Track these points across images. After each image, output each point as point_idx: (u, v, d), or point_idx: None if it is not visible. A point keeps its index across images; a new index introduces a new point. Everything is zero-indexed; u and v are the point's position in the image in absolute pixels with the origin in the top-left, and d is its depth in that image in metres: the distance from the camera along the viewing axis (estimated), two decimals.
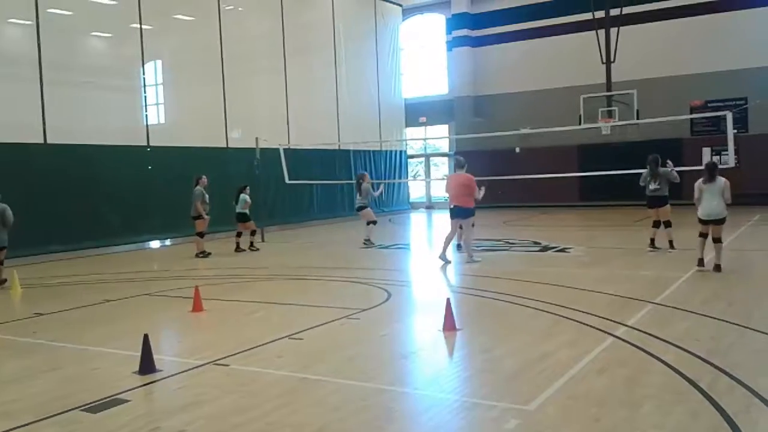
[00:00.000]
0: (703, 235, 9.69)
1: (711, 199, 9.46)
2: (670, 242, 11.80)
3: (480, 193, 11.57)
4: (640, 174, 12.16)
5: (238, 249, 14.52)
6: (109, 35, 17.25)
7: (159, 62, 18.43)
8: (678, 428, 4.02)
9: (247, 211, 14.51)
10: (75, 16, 16.06)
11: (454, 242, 12.33)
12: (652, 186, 11.82)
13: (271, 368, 5.57)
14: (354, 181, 16.53)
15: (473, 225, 13.46)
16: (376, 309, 7.99)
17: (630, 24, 23.32)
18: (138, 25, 17.00)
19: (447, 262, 11.41)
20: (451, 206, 11.64)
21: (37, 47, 14.84)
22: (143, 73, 17.51)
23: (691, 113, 22.21)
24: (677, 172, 11.98)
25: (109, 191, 15.58)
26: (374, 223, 15.02)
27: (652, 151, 12.72)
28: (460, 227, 11.88)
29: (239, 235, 14.59)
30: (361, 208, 15.12)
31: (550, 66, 25.80)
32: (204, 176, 13.91)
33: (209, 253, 13.90)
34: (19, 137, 14.36)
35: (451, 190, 11.60)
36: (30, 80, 14.69)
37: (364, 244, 14.50)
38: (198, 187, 13.73)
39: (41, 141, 14.87)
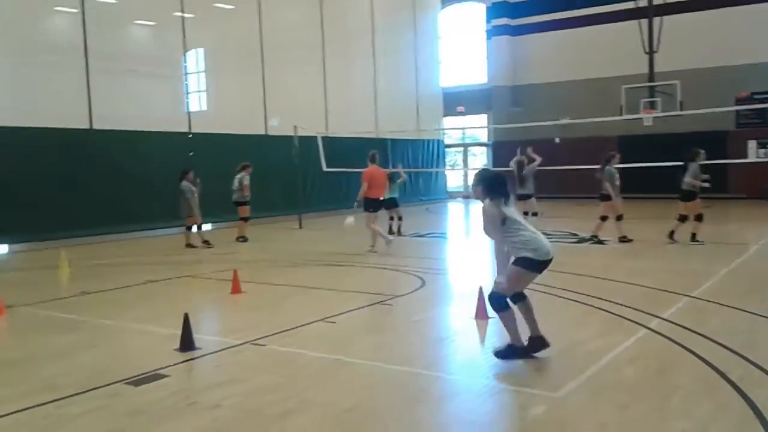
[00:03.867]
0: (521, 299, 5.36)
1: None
2: (693, 235, 11.73)
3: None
4: (682, 166, 11.99)
5: (391, 232, 15.03)
6: (153, 24, 17.61)
7: (201, 50, 18.74)
8: (706, 419, 4.04)
9: (396, 195, 14.98)
10: (119, 4, 16.45)
11: None
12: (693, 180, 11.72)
13: (305, 349, 5.72)
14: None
15: (536, 214, 13.59)
16: (410, 296, 8.09)
17: (674, 13, 22.82)
18: (180, 14, 17.32)
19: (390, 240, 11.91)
20: (382, 198, 12.02)
21: (83, 36, 15.25)
22: (185, 61, 17.83)
23: (737, 105, 21.69)
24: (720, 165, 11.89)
25: (153, 176, 15.96)
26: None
27: (695, 143, 12.60)
28: None
29: (391, 218, 15.24)
30: (527, 197, 14.07)
31: (590, 55, 25.44)
32: (249, 164, 14.33)
33: (246, 239, 14.20)
34: (66, 122, 14.80)
35: (380, 182, 11.91)
36: (77, 68, 15.12)
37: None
38: (243, 174, 14.05)
39: (87, 126, 15.31)
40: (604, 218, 12.35)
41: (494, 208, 5.20)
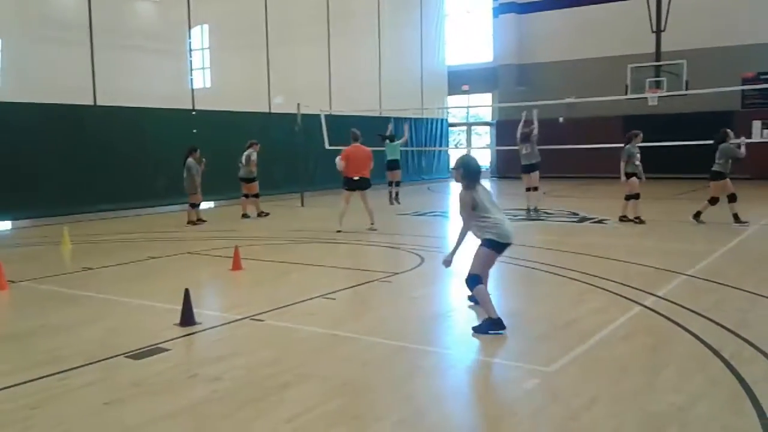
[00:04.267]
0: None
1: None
2: (697, 213, 11.71)
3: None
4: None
5: (392, 201, 15.40)
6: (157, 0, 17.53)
7: (205, 27, 18.67)
8: (696, 394, 4.10)
9: (398, 157, 15.32)
10: None
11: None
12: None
13: (303, 325, 5.80)
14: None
15: (536, 189, 13.54)
16: (409, 273, 8.16)
17: None
18: None
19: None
20: (356, 178, 11.62)
21: (88, 11, 15.20)
22: (189, 38, 17.78)
23: (743, 85, 21.55)
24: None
25: (155, 153, 16.00)
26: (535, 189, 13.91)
27: (700, 122, 12.56)
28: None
29: (390, 183, 15.51)
30: (532, 167, 13.83)
31: (597, 34, 25.26)
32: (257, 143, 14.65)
33: (264, 214, 14.51)
34: (70, 98, 14.82)
35: (357, 162, 11.57)
36: (81, 44, 15.09)
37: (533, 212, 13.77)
38: (251, 150, 14.34)
39: (91, 103, 15.33)
40: (636, 196, 12.17)
41: (468, 194, 5.59)
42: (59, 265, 9.44)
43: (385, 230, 11.97)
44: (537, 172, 13.92)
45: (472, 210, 5.57)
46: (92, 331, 5.82)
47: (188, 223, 13.37)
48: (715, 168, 11.64)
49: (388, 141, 15.42)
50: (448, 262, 5.79)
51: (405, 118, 21.79)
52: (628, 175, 12.12)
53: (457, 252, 5.74)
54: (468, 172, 5.66)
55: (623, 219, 12.30)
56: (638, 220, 12.06)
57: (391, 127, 15.95)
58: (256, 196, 14.68)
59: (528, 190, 14.00)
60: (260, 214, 14.61)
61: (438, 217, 14.69)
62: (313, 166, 19.71)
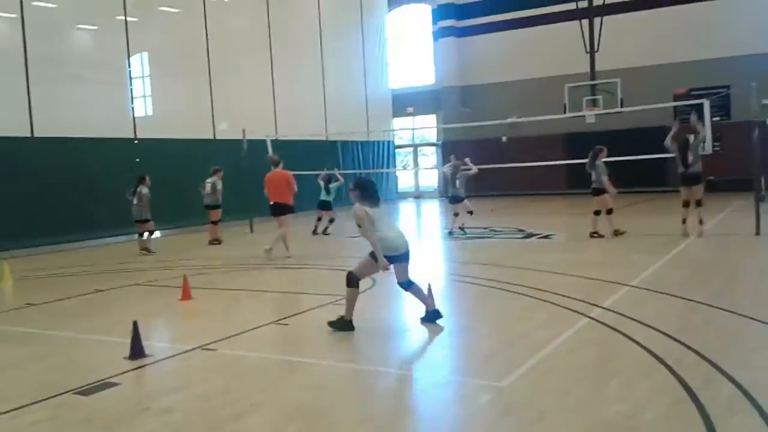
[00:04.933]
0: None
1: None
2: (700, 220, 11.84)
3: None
4: (620, 161, 12.25)
5: (315, 232, 15.44)
6: (95, 28, 17.28)
7: (145, 54, 18.47)
8: (643, 400, 4.24)
9: (330, 199, 15.57)
10: (60, 8, 16.10)
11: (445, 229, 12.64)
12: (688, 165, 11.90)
13: (256, 352, 5.76)
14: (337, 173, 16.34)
15: (471, 213, 13.68)
16: (361, 295, 8.11)
17: (614, 13, 23.53)
18: (123, 18, 17.05)
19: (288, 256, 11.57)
20: (272, 203, 11.69)
21: (23, 40, 14.88)
22: (129, 66, 17.56)
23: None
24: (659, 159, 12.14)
25: (97, 184, 15.66)
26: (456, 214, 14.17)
27: (636, 138, 12.99)
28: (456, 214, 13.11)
29: (319, 219, 15.68)
30: (459, 199, 13.95)
31: (535, 56, 26.03)
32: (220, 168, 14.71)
33: (220, 242, 14.48)
34: (5, 131, 14.39)
35: (272, 187, 11.67)
36: (16, 73, 14.73)
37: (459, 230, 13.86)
38: (215, 178, 14.43)
39: (28, 135, 14.92)
40: (597, 212, 12.44)
41: (361, 208, 6.16)
42: (0, 302, 9.12)
43: (335, 253, 11.97)
44: (465, 201, 13.97)
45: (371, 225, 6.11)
46: (39, 368, 5.65)
47: (142, 250, 13.15)
48: (693, 171, 11.83)
49: (323, 183, 15.60)
50: (386, 267, 6.19)
51: (347, 143, 21.90)
52: (599, 192, 12.36)
53: (380, 257, 6.14)
54: (365, 191, 6.26)
55: (595, 234, 12.38)
56: (597, 235, 12.33)
57: (326, 170, 16.14)
58: (216, 223, 14.63)
59: (456, 215, 14.08)
60: (211, 242, 14.41)
61: None
62: (261, 191, 19.54)
